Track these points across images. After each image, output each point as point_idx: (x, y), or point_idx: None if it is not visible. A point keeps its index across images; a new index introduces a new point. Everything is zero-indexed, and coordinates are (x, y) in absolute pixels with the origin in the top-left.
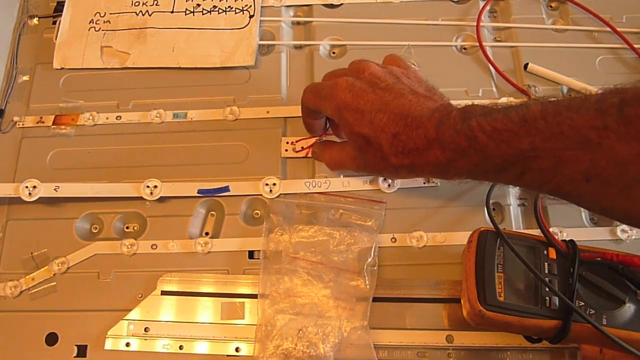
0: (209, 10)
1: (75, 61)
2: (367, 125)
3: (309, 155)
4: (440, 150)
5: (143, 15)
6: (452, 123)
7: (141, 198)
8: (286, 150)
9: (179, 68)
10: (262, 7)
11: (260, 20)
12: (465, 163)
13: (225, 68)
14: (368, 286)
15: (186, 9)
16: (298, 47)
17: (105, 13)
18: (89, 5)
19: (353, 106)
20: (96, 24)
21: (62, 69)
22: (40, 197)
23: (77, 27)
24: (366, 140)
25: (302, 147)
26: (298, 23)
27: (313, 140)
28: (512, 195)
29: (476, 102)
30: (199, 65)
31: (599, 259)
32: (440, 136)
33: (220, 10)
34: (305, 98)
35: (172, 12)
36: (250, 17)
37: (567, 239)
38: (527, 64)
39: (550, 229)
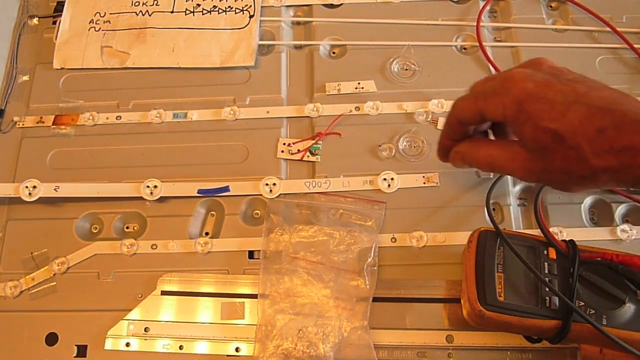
0: (209, 10)
1: (75, 61)
2: (558, 118)
3: (304, 158)
4: None
5: (143, 15)
6: None
7: (141, 198)
8: (282, 151)
9: (179, 68)
10: (262, 7)
11: (260, 20)
12: None
13: (225, 68)
14: (368, 286)
15: (186, 9)
16: (298, 47)
17: (105, 13)
18: (89, 5)
19: (538, 96)
20: (96, 24)
21: (62, 69)
22: (40, 197)
23: (77, 27)
24: (556, 136)
25: (298, 150)
26: (298, 23)
27: (310, 143)
28: (512, 195)
29: None
30: (198, 65)
31: (599, 259)
32: None
33: (220, 10)
34: (459, 108)
35: (172, 12)
36: (250, 17)
37: (567, 239)
38: None
39: (550, 229)
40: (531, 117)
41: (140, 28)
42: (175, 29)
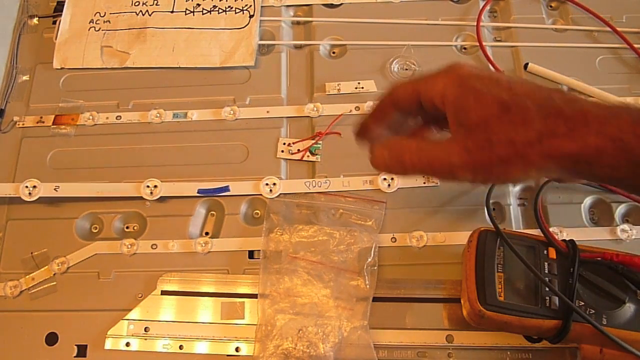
0: (209, 10)
1: (75, 61)
2: (506, 89)
3: (304, 158)
4: (608, 141)
5: (143, 15)
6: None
7: (141, 198)
8: (282, 151)
9: (179, 68)
10: (262, 7)
11: (260, 20)
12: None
13: (225, 68)
14: (368, 286)
15: (186, 9)
16: (298, 47)
17: (105, 13)
18: (89, 5)
19: (482, 75)
20: (96, 23)
21: (62, 68)
22: (40, 197)
23: (77, 27)
24: (503, 106)
25: (298, 150)
26: (298, 23)
27: (310, 143)
28: (512, 195)
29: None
30: (198, 65)
31: (599, 259)
32: (614, 127)
33: (220, 10)
34: (394, 88)
35: (172, 12)
36: (250, 17)
37: (567, 239)
38: (527, 63)
39: (550, 229)
40: (475, 90)
41: (140, 28)
42: (175, 29)
